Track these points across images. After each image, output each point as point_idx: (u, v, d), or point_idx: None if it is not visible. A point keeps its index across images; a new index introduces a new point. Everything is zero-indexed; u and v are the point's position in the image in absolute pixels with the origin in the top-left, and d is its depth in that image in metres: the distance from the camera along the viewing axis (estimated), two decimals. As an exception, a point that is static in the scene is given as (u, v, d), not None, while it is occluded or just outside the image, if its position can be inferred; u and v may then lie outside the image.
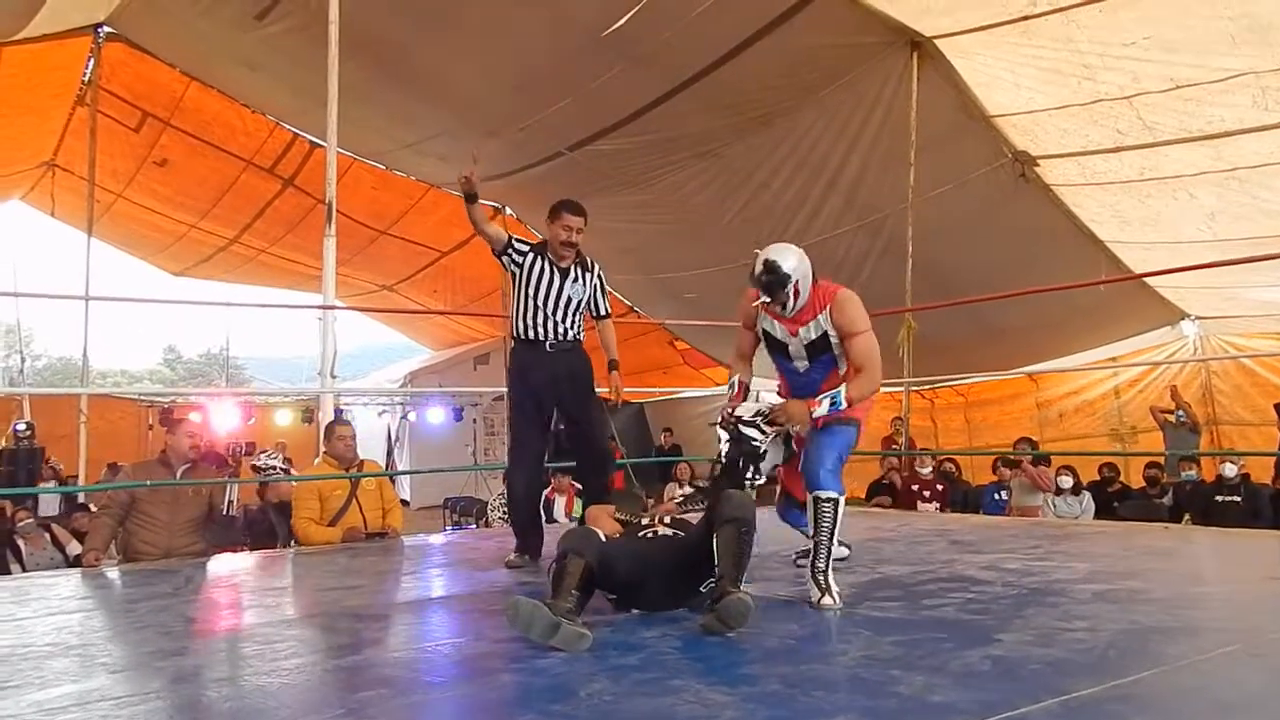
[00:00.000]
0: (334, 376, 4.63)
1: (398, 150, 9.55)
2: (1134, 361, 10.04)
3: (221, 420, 11.82)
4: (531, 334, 3.43)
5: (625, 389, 3.62)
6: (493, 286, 12.32)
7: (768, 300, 2.68)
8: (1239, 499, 6.58)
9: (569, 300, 3.43)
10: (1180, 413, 8.55)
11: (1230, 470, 6.79)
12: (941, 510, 7.15)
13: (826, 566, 2.54)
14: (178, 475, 4.10)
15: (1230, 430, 9.53)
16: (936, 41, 6.76)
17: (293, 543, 4.42)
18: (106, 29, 8.38)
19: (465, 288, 13.30)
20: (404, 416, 14.73)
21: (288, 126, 9.47)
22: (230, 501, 4.07)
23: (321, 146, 6.26)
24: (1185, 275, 7.38)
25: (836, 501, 2.57)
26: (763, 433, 2.63)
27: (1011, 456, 7.64)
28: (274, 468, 6.41)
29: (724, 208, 9.03)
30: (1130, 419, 10.34)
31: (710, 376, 14.75)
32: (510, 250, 3.43)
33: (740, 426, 2.64)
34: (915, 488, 7.55)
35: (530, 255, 3.42)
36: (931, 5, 6.33)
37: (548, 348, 3.41)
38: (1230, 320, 9.18)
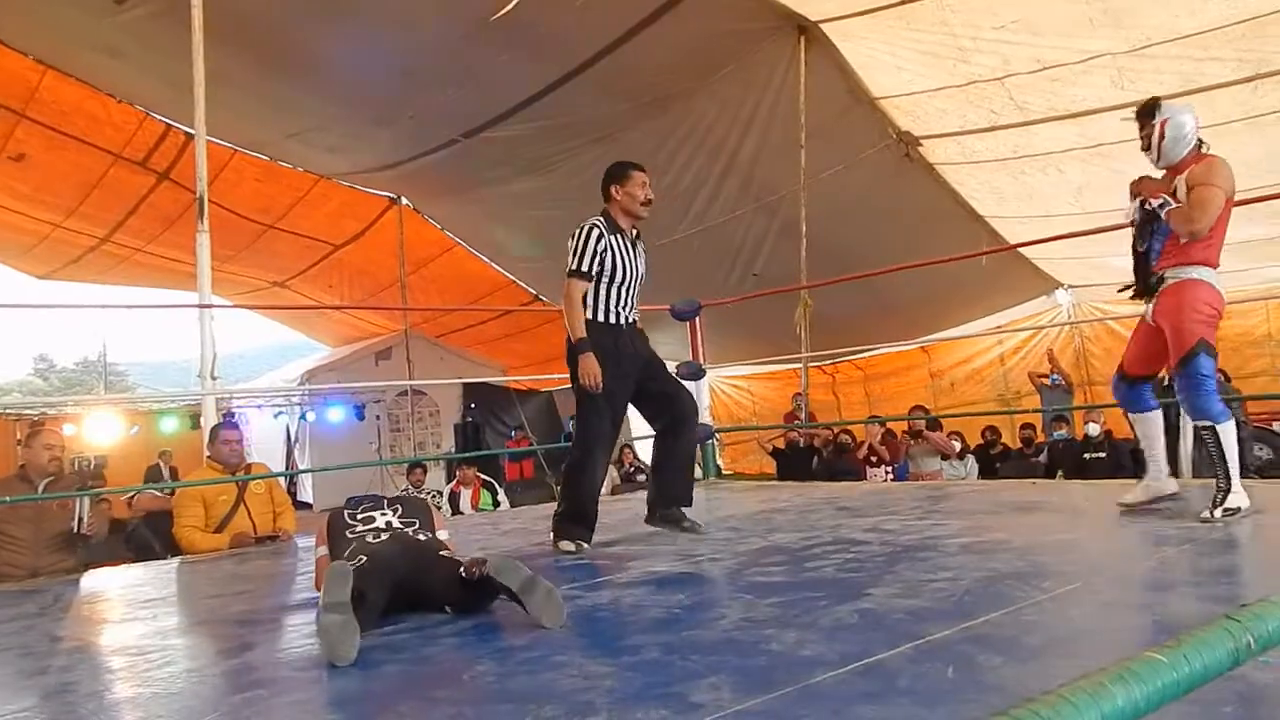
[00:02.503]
0: (215, 378, 4.42)
1: (281, 140, 9.13)
2: (1017, 328, 10.67)
3: (99, 431, 11.08)
4: (613, 318, 3.11)
5: (535, 376, 3.44)
6: (391, 279, 11.97)
7: (1138, 124, 2.96)
8: (1104, 455, 7.12)
9: (640, 275, 3.16)
10: (1055, 376, 9.14)
11: (1094, 429, 7.34)
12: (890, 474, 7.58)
13: (1225, 485, 2.74)
14: (39, 490, 3.85)
15: (1103, 390, 10.23)
16: (822, 26, 6.94)
17: (169, 555, 4.22)
18: (-57, 12, 7.67)
19: (362, 281, 12.89)
20: (302, 416, 14.20)
21: (158, 117, 8.85)
22: (81, 519, 3.80)
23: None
24: (1057, 247, 7.85)
25: (1213, 428, 2.79)
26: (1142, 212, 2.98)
27: (906, 423, 8.02)
28: None
29: (624, 192, 9.05)
30: (1015, 385, 11.00)
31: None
32: (598, 259, 3.05)
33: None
34: (867, 457, 7.89)
35: (605, 240, 3.06)
36: (814, -11, 6.50)
37: (625, 326, 3.14)
38: (1098, 289, 9.86)
